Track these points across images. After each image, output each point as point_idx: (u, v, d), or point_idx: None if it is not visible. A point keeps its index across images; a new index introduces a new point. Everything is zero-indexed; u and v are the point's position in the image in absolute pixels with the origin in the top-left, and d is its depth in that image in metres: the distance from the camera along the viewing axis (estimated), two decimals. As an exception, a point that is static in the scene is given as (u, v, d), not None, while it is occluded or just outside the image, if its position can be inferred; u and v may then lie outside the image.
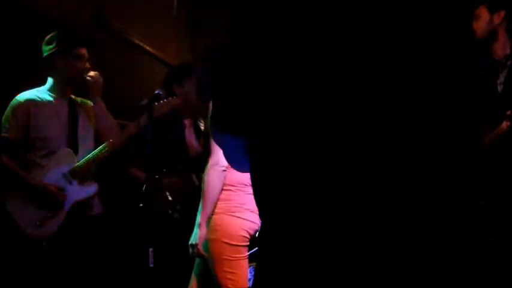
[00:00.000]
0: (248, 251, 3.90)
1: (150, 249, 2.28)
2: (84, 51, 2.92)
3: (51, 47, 2.86)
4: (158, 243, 2.41)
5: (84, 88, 2.97)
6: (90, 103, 3.06)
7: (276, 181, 3.67)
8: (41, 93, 2.91)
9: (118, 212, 3.24)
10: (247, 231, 2.46)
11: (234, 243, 2.43)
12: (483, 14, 2.89)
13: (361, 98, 3.68)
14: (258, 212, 2.52)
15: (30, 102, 2.83)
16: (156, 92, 2.72)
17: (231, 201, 2.46)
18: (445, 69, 3.58)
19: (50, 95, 2.91)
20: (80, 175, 2.85)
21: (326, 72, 3.55)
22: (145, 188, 2.34)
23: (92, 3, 3.83)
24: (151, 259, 2.28)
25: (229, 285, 2.40)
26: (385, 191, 3.85)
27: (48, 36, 2.89)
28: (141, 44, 4.19)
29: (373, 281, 3.67)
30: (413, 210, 3.76)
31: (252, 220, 2.46)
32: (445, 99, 3.58)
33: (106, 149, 2.85)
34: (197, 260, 2.54)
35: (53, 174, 2.81)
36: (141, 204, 2.33)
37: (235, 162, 2.55)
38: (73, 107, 2.95)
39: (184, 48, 4.62)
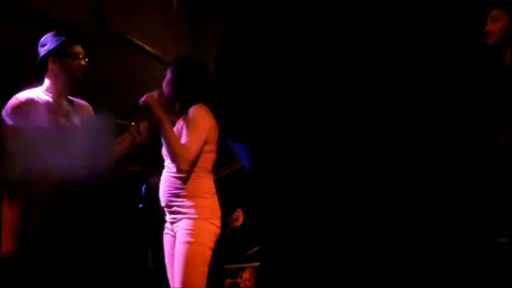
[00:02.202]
0: (247, 252, 3.95)
1: (149, 250, 2.28)
2: (79, 49, 2.91)
3: (46, 47, 2.86)
4: (157, 244, 2.43)
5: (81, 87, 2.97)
6: (86, 104, 3.06)
7: (276, 183, 3.68)
8: (39, 93, 2.91)
9: (116, 212, 3.23)
10: (216, 236, 2.60)
11: (211, 246, 2.57)
12: (502, 17, 2.81)
13: (363, 99, 3.67)
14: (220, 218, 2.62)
15: (29, 101, 2.83)
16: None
17: (207, 208, 2.59)
18: (450, 70, 3.57)
19: (47, 95, 2.91)
20: None
21: (326, 74, 3.55)
22: (144, 189, 2.34)
23: (92, 3, 3.83)
24: (150, 260, 2.29)
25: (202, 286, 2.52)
26: (388, 190, 3.84)
27: (43, 38, 2.89)
28: (141, 44, 4.19)
29: (374, 282, 3.65)
30: (417, 211, 3.76)
31: (219, 226, 2.63)
32: (452, 98, 3.57)
33: None
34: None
35: None
36: (140, 205, 2.33)
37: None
38: (70, 107, 2.94)
39: (184, 48, 4.62)
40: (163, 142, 2.58)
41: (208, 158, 2.64)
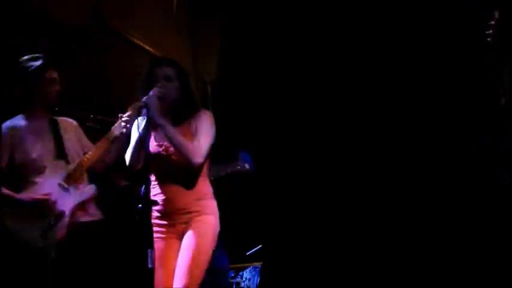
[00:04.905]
0: (247, 252, 3.93)
1: (149, 250, 2.28)
2: (55, 74, 2.90)
3: (25, 70, 2.84)
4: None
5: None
6: (71, 121, 3.06)
7: (280, 184, 3.69)
8: (19, 120, 2.90)
9: (116, 213, 3.24)
10: None
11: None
12: None
13: (364, 100, 3.66)
14: None
15: (12, 131, 2.83)
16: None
17: (215, 207, 2.71)
18: (450, 70, 3.56)
19: (27, 118, 2.90)
20: (74, 179, 2.86)
21: (328, 76, 3.54)
22: (143, 189, 2.34)
23: (92, 3, 3.83)
24: (150, 260, 2.29)
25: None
26: (389, 190, 3.84)
27: (23, 59, 2.87)
28: (141, 44, 4.19)
29: (375, 281, 3.65)
30: (418, 211, 3.75)
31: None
32: (452, 98, 3.57)
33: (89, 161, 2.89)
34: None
35: (48, 186, 2.82)
36: (139, 205, 2.33)
37: None
38: (54, 124, 2.94)
39: (184, 48, 4.62)
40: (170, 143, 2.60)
41: (209, 162, 2.72)
